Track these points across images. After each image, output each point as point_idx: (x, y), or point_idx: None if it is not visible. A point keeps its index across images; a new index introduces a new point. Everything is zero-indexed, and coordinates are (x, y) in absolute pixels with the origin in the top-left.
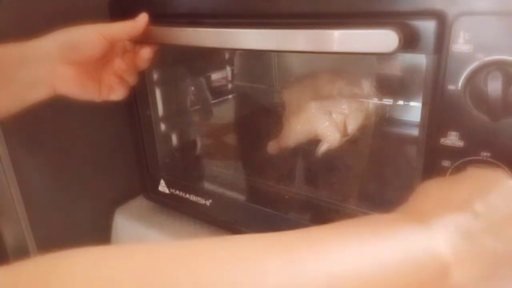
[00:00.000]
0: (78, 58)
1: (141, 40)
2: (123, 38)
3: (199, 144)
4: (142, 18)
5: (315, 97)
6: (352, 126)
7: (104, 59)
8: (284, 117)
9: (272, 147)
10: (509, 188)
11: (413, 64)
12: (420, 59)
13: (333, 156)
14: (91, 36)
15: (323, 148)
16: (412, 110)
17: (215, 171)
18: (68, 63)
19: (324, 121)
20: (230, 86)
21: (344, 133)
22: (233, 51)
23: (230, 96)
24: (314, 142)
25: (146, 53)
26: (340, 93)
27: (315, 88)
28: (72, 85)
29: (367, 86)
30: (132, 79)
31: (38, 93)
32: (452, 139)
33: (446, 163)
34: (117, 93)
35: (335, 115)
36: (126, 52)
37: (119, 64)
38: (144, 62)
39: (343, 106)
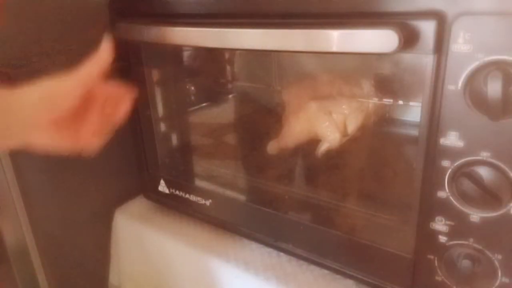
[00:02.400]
0: (55, 112)
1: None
2: (97, 75)
3: (199, 144)
4: (105, 48)
5: (315, 97)
6: (352, 126)
7: (82, 107)
8: (284, 117)
9: (272, 147)
10: None
11: (413, 64)
12: (420, 59)
13: (333, 156)
14: (66, 87)
15: (323, 148)
16: (412, 110)
17: (215, 171)
18: (44, 117)
19: (324, 121)
20: (230, 86)
21: (344, 133)
22: (233, 51)
23: (230, 96)
24: (314, 142)
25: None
26: (340, 93)
27: (315, 88)
28: (48, 138)
29: (367, 86)
30: (111, 128)
31: (7, 144)
32: (452, 139)
33: (446, 163)
34: (96, 143)
35: (335, 115)
36: (103, 101)
37: (97, 112)
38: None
39: (343, 106)
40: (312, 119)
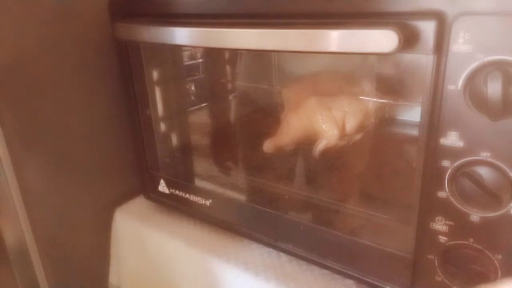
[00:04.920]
0: None
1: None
2: None
3: (199, 144)
4: None
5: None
6: (351, 124)
7: None
8: (283, 116)
9: (268, 145)
10: None
11: (413, 64)
12: (420, 59)
13: (332, 156)
14: None
15: (321, 145)
16: (412, 110)
17: (215, 171)
18: None
19: (322, 116)
20: (230, 86)
21: (343, 130)
22: (233, 51)
23: (230, 96)
24: (314, 142)
25: None
26: (340, 93)
27: (315, 88)
28: None
29: (367, 86)
30: None
31: None
32: (452, 139)
33: (446, 163)
34: None
35: (334, 112)
36: None
37: None
38: None
39: (343, 104)
40: (311, 114)
